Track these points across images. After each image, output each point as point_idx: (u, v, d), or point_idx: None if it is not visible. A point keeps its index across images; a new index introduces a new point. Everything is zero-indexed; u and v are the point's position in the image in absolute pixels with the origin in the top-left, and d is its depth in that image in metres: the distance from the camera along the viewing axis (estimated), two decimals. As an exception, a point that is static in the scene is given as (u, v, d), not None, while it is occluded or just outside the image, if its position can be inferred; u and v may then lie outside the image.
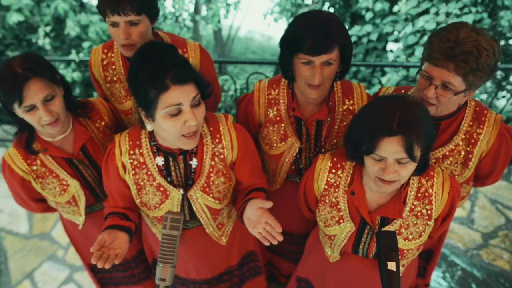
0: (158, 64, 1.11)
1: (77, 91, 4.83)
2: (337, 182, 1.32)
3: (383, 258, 1.00)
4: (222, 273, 1.76)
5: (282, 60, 1.38)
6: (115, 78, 1.65)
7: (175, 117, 1.13)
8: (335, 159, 1.34)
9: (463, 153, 1.42)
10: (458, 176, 1.46)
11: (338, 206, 1.33)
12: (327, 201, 1.35)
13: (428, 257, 1.89)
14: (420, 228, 1.29)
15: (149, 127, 1.23)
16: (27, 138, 1.42)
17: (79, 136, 1.47)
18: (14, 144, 1.44)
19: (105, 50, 1.65)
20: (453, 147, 1.42)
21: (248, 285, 1.94)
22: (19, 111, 1.27)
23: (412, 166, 1.12)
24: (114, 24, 1.41)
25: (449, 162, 1.43)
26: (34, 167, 1.45)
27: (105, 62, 1.65)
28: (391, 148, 1.06)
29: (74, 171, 1.50)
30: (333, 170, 1.33)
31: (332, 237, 1.41)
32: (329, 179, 1.34)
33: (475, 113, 1.40)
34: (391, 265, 0.99)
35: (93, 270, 1.94)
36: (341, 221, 1.34)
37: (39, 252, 2.76)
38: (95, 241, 1.77)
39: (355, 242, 1.37)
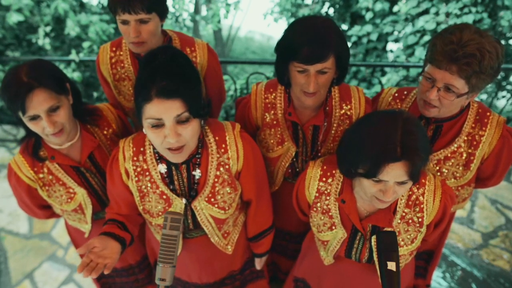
0: (151, 72, 1.06)
1: (77, 91, 4.81)
2: (328, 190, 1.32)
3: (383, 258, 1.00)
4: (224, 278, 1.75)
5: (278, 66, 1.37)
6: (123, 76, 1.65)
7: (156, 129, 1.09)
8: (325, 167, 1.33)
9: (465, 155, 1.41)
10: (460, 178, 1.46)
11: (330, 213, 1.33)
12: (318, 208, 1.35)
13: (428, 258, 1.88)
14: (412, 234, 1.29)
15: (144, 131, 1.21)
16: (33, 145, 1.40)
17: (87, 144, 1.45)
18: (21, 151, 1.42)
19: (114, 48, 1.66)
20: (455, 149, 1.41)
21: (249, 287, 1.93)
22: (24, 119, 1.25)
23: (409, 184, 1.11)
24: (125, 22, 1.42)
25: (450, 163, 1.43)
26: (41, 175, 1.43)
27: (113, 60, 1.65)
28: (394, 173, 1.04)
29: (81, 179, 1.49)
30: (324, 179, 1.32)
31: (326, 242, 1.41)
32: (319, 187, 1.33)
33: (478, 114, 1.40)
34: (391, 265, 0.99)
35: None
36: (333, 227, 1.34)
37: (39, 252, 2.76)
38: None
39: (348, 248, 1.37)
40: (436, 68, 1.22)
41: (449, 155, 1.42)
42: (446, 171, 1.45)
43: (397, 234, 1.27)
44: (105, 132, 1.53)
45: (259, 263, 1.78)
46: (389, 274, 0.99)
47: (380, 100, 1.58)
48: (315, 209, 1.37)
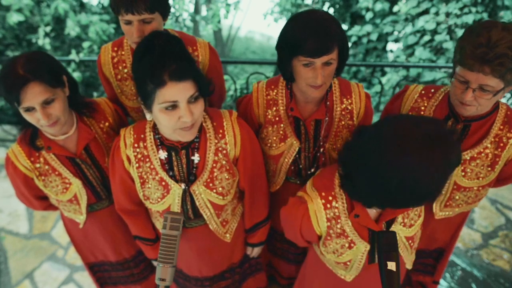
0: (158, 58, 1.10)
1: (77, 91, 4.83)
2: (336, 214, 1.26)
3: (383, 258, 1.00)
4: (224, 271, 1.77)
5: (281, 62, 1.37)
6: (125, 76, 1.66)
7: (170, 112, 1.13)
8: (323, 194, 1.25)
9: (490, 155, 1.41)
10: (483, 179, 1.45)
11: (345, 234, 1.28)
12: (332, 234, 1.30)
13: (438, 256, 1.89)
14: (418, 210, 1.29)
15: (148, 116, 1.25)
16: (31, 135, 1.43)
17: (83, 135, 1.47)
18: (18, 141, 1.45)
19: (115, 48, 1.66)
20: (482, 150, 1.41)
21: (249, 282, 1.96)
22: (19, 110, 1.27)
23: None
24: (128, 22, 1.42)
25: (475, 164, 1.43)
26: (37, 165, 1.46)
27: (115, 60, 1.66)
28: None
29: (76, 170, 1.51)
30: (328, 205, 1.26)
31: (348, 262, 1.37)
32: (327, 216, 1.27)
33: (506, 116, 1.40)
34: (391, 265, 0.99)
35: (92, 269, 1.94)
36: (353, 245, 1.30)
37: (39, 252, 2.76)
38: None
39: (371, 255, 1.33)
40: (468, 70, 1.20)
41: (475, 155, 1.42)
42: (470, 171, 1.45)
43: (406, 216, 1.24)
44: (101, 125, 1.55)
45: (250, 252, 1.81)
46: (389, 274, 0.99)
47: (405, 97, 1.56)
48: (329, 237, 1.31)
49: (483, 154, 1.41)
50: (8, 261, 2.71)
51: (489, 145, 1.40)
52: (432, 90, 1.51)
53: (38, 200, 1.58)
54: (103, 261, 1.90)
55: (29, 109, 1.26)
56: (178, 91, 1.10)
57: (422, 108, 1.50)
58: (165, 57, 1.10)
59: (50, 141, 1.43)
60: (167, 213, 1.05)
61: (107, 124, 1.56)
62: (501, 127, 1.39)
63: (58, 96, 1.30)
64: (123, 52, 1.65)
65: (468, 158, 1.43)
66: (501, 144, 1.40)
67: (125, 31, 1.46)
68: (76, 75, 4.25)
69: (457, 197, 1.53)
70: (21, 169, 1.45)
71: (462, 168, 1.44)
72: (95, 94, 4.90)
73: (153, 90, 1.10)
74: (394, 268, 0.99)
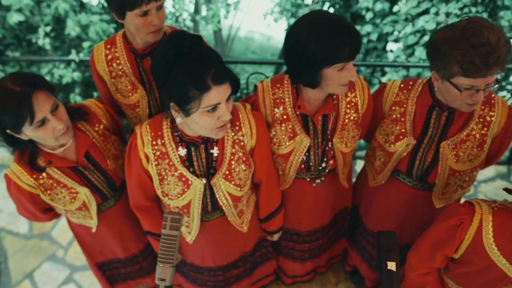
0: (198, 63, 1.10)
1: (77, 91, 4.84)
2: None
3: (383, 258, 1.00)
4: (237, 260, 1.82)
5: (306, 75, 1.34)
6: (120, 73, 1.66)
7: (211, 113, 1.17)
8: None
9: (478, 136, 1.47)
10: (474, 160, 1.51)
11: None
12: None
13: None
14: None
15: (178, 119, 1.24)
16: (30, 156, 1.39)
17: (81, 143, 1.46)
18: (16, 161, 1.40)
19: (108, 46, 1.67)
20: (469, 132, 1.47)
21: (260, 270, 2.01)
22: (29, 130, 1.23)
23: None
24: (145, 13, 1.43)
25: (466, 146, 1.48)
26: (41, 181, 1.43)
27: (109, 58, 1.66)
28: None
29: (81, 179, 1.50)
30: None
31: None
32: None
33: (485, 97, 1.44)
34: (391, 265, 0.99)
35: (101, 269, 1.95)
36: None
37: (39, 252, 2.76)
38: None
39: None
40: (480, 78, 1.23)
41: (464, 138, 1.47)
42: (463, 154, 1.49)
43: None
44: (96, 128, 1.54)
45: (271, 237, 1.88)
46: (389, 274, 0.99)
47: (385, 93, 1.60)
48: None
49: (471, 136, 1.47)
50: (8, 261, 2.71)
51: (474, 126, 1.46)
52: (411, 83, 1.55)
53: (45, 213, 1.56)
54: (112, 259, 1.91)
55: (43, 122, 1.23)
56: (220, 93, 1.13)
57: (405, 100, 1.54)
58: (205, 61, 1.10)
59: (50, 155, 1.41)
60: (166, 213, 1.05)
61: (101, 126, 1.55)
62: (482, 107, 1.46)
63: (58, 101, 1.30)
64: (116, 49, 1.65)
65: (459, 141, 1.48)
66: (486, 124, 1.46)
67: (140, 24, 1.46)
68: (76, 75, 4.25)
69: (452, 183, 1.58)
70: (25, 187, 1.42)
71: (455, 152, 1.49)
72: (95, 94, 4.90)
73: (197, 96, 1.11)
74: (394, 268, 0.99)
